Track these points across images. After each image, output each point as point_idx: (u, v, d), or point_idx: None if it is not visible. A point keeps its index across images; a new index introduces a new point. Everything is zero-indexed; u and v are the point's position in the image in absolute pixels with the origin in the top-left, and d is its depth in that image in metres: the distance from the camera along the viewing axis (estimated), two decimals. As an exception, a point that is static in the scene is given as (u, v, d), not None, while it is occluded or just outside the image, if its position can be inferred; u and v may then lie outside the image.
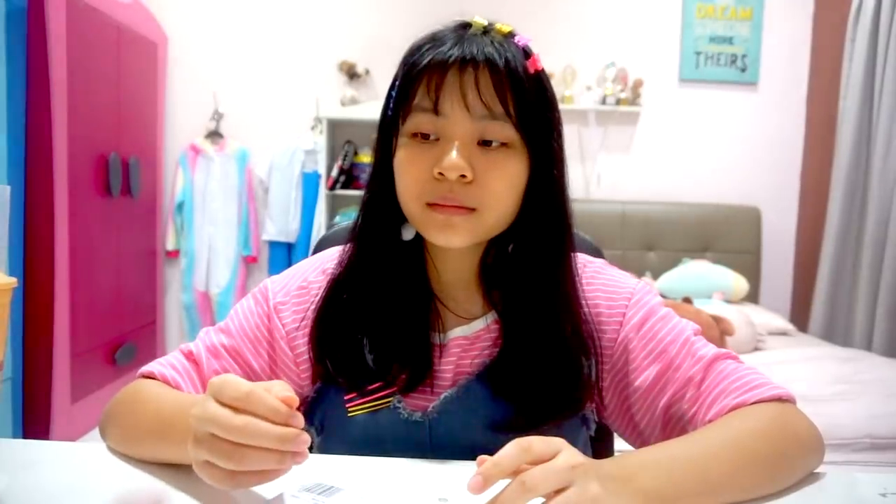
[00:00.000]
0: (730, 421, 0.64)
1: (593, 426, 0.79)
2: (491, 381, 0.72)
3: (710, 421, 0.66)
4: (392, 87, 0.72)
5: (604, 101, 3.41)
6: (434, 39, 0.69)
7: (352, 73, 3.40)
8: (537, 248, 0.72)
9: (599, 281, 0.78)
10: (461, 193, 0.67)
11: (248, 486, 0.53)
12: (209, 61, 3.47)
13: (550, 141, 0.70)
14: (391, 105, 0.71)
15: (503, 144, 0.68)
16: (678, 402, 0.71)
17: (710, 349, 0.73)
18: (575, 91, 3.43)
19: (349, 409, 0.72)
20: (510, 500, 0.48)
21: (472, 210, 0.67)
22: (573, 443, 0.54)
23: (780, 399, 0.67)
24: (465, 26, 0.70)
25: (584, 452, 0.54)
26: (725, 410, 0.66)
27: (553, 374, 0.71)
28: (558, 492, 0.49)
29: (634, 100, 3.44)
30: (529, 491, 0.48)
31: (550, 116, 0.71)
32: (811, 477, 0.66)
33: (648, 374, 0.72)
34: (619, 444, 0.88)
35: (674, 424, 0.72)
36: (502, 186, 0.68)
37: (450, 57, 0.66)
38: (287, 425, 0.51)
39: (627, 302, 0.75)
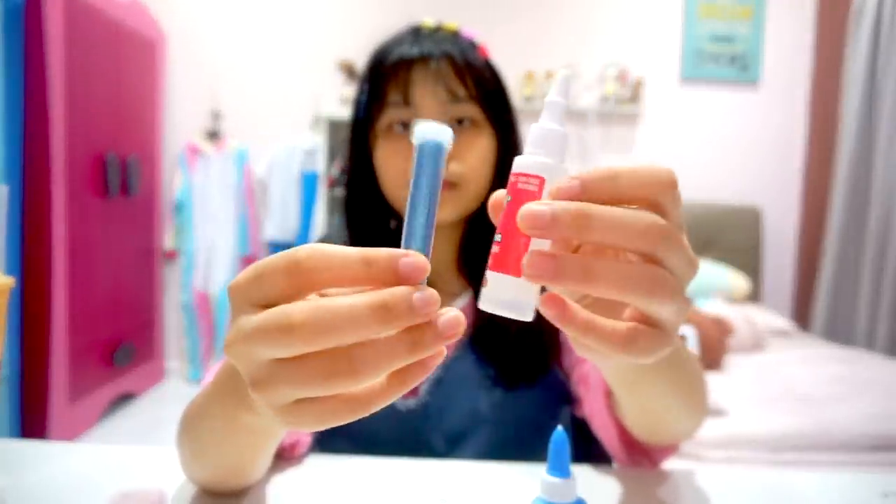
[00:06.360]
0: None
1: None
2: (474, 350, 0.78)
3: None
4: (360, 92, 0.80)
5: (604, 101, 3.41)
6: (392, 42, 0.79)
7: (351, 73, 3.39)
8: None
9: None
10: None
11: (371, 411, 0.31)
12: (208, 60, 3.46)
13: (511, 119, 0.80)
14: (362, 106, 0.79)
15: (472, 124, 0.77)
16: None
17: None
18: (575, 91, 3.42)
19: None
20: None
21: (454, 185, 0.75)
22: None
23: None
24: (417, 29, 0.80)
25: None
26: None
27: (528, 330, 0.75)
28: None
29: (635, 100, 3.43)
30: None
31: (506, 97, 0.81)
32: (811, 476, 0.65)
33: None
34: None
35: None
36: (477, 160, 0.76)
37: (412, 54, 0.75)
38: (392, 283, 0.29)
39: None
